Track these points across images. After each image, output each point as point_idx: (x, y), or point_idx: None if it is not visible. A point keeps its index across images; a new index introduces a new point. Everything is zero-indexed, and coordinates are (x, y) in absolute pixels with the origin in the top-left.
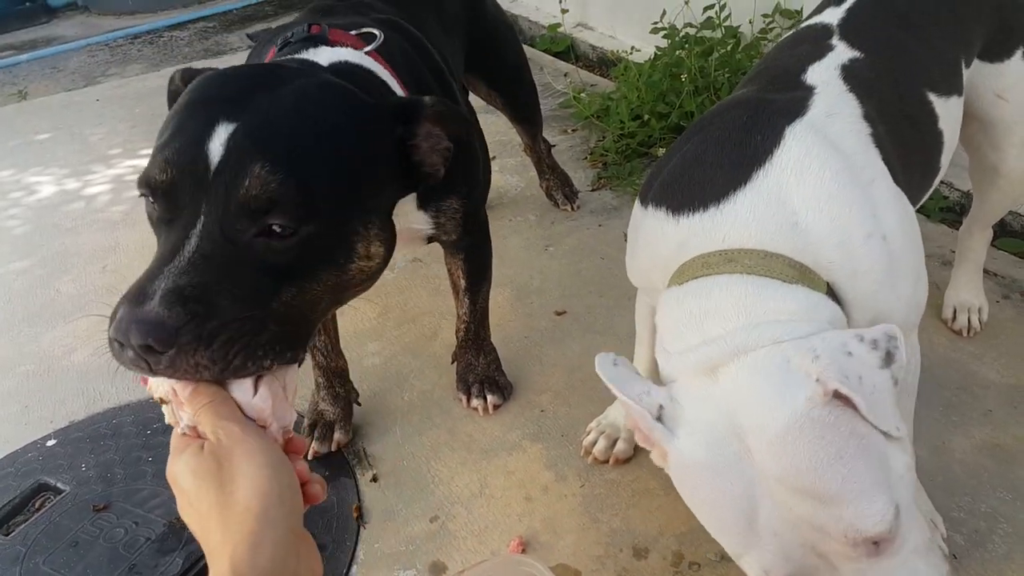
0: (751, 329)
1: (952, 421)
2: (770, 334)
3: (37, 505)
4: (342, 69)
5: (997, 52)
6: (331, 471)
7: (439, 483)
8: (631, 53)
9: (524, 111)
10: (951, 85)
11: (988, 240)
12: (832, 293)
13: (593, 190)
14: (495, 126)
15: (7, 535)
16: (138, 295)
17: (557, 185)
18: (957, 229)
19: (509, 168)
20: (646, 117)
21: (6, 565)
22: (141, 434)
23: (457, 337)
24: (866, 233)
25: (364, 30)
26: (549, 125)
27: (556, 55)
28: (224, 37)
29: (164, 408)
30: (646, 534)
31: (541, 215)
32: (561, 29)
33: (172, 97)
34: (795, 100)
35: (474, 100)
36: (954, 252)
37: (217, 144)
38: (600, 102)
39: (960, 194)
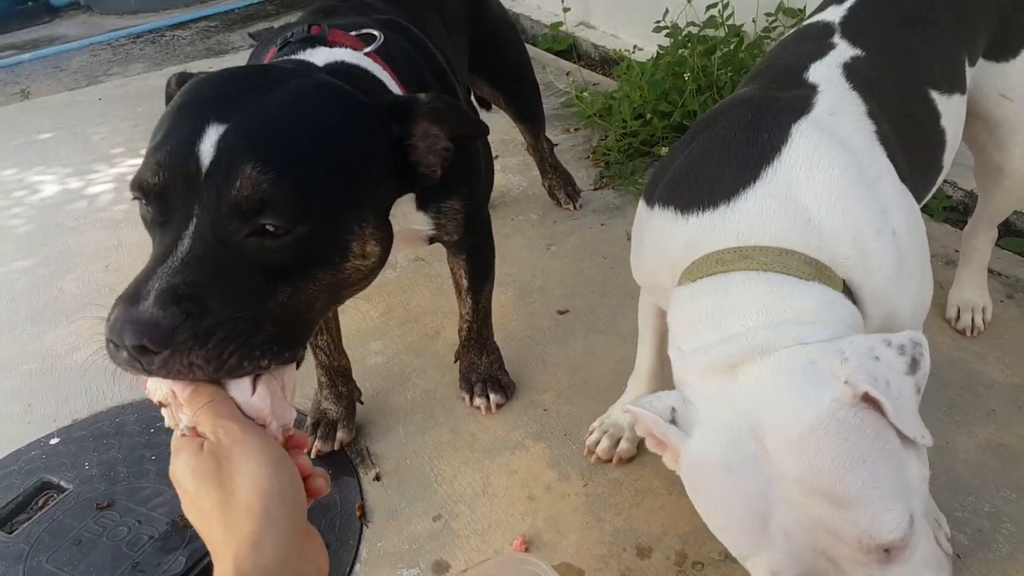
0: (772, 328)
1: (956, 421)
2: (793, 334)
3: (40, 503)
4: (338, 69)
5: (1002, 51)
6: (334, 470)
7: (442, 482)
8: (633, 52)
9: (527, 110)
10: (954, 83)
11: (993, 240)
12: (847, 291)
13: (595, 189)
14: (497, 125)
15: (10, 533)
16: (133, 296)
17: (559, 184)
18: (961, 228)
19: (511, 167)
20: (648, 116)
21: (9, 563)
22: (144, 432)
23: (460, 336)
24: (876, 229)
25: (364, 31)
26: (551, 124)
27: (558, 54)
28: (226, 36)
29: (163, 411)
30: (649, 533)
31: (543, 214)
32: (563, 28)
33: (169, 100)
34: (799, 98)
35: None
36: (958, 252)
37: (208, 145)
38: (602, 101)
39: (964, 193)
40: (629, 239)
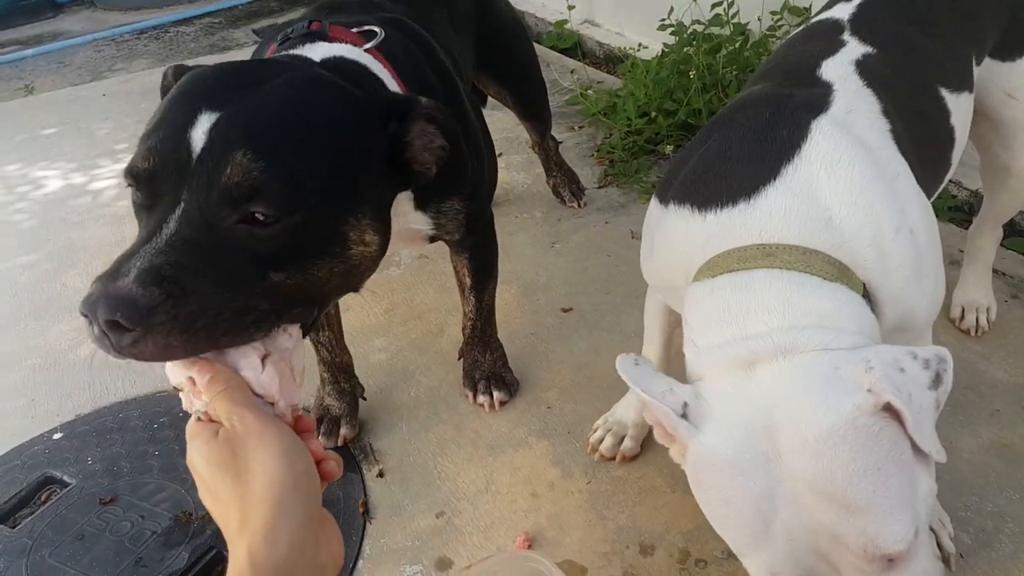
0: (798, 331)
1: (959, 420)
2: (818, 339)
3: (43, 498)
4: (335, 64)
5: (1009, 50)
6: None
7: (445, 479)
8: (638, 50)
9: (533, 108)
10: (962, 81)
11: (998, 239)
12: (866, 293)
13: (600, 187)
14: (502, 123)
15: (13, 528)
16: (112, 273)
17: (564, 182)
18: (966, 228)
19: (515, 165)
20: (653, 114)
21: (12, 558)
22: (148, 428)
23: (463, 334)
24: (896, 227)
25: (366, 28)
26: (556, 122)
27: (563, 52)
28: (230, 33)
29: (181, 395)
30: (652, 531)
31: (547, 212)
32: (568, 26)
33: (164, 92)
34: (816, 95)
35: None
36: (963, 251)
37: (200, 132)
38: (607, 99)
39: (969, 193)
40: (634, 237)
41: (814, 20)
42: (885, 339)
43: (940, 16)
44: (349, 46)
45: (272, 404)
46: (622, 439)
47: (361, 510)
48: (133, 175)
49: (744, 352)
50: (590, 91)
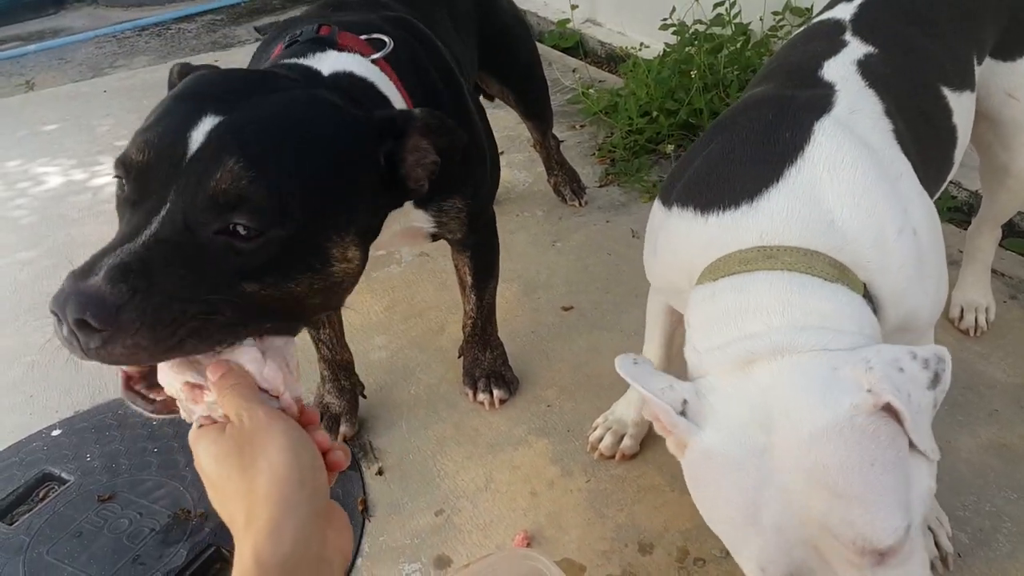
0: (797, 331)
1: (958, 420)
2: (817, 339)
3: (41, 495)
4: (342, 81)
5: (1009, 50)
6: None
7: (445, 477)
8: (640, 49)
9: (535, 107)
10: (964, 80)
11: (997, 240)
12: (867, 294)
13: (601, 186)
14: (503, 121)
15: (11, 525)
16: (84, 270)
17: (565, 181)
18: (965, 229)
19: (517, 163)
20: (655, 114)
21: (10, 555)
22: (147, 425)
23: (464, 332)
24: (899, 228)
25: (375, 36)
26: (557, 121)
27: (565, 51)
28: (232, 30)
29: (178, 403)
30: (651, 530)
31: (549, 211)
32: (570, 25)
33: (170, 89)
34: (818, 96)
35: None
36: (962, 252)
37: (199, 133)
38: (608, 98)
39: (968, 194)
40: (634, 236)
41: (815, 20)
42: (887, 339)
43: (941, 16)
44: (358, 56)
45: (277, 397)
46: (622, 438)
47: (360, 508)
48: (125, 166)
49: (743, 351)
50: (592, 90)
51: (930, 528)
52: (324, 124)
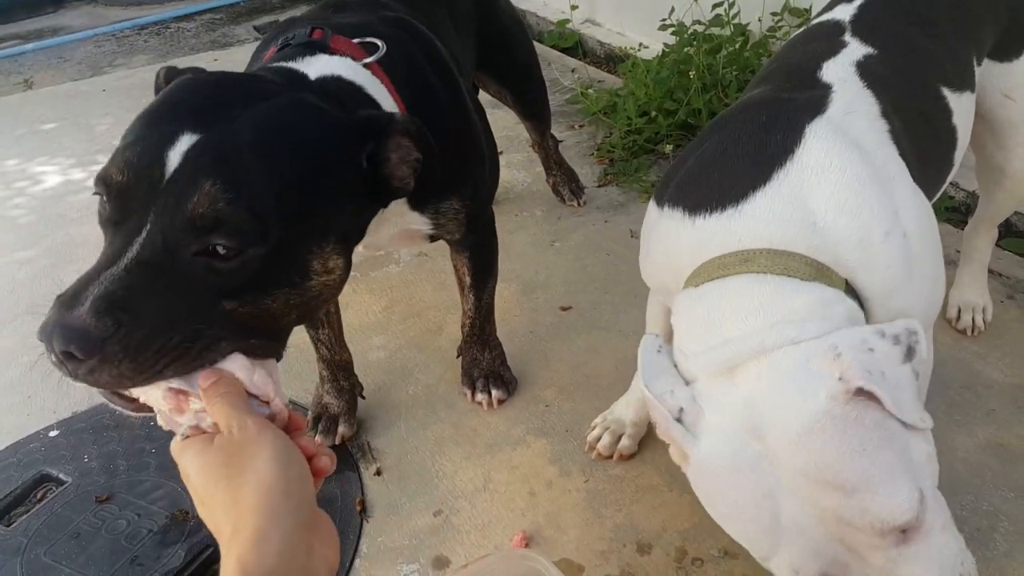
0: (768, 329)
1: (956, 420)
2: (788, 334)
3: (39, 496)
4: (329, 85)
5: (1006, 51)
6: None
7: (443, 477)
8: (639, 50)
9: (533, 107)
10: (964, 81)
11: (993, 240)
12: (851, 290)
13: (599, 186)
14: (502, 121)
15: (8, 526)
16: (70, 300)
17: (564, 181)
18: (962, 229)
19: (516, 164)
20: (653, 114)
21: (7, 556)
22: (145, 425)
23: (462, 332)
24: (885, 231)
25: (367, 40)
26: (556, 121)
27: (564, 51)
28: (231, 29)
29: (158, 415)
30: (649, 530)
31: (547, 211)
32: (569, 25)
33: (157, 92)
34: (814, 98)
35: (482, 96)
36: (959, 252)
37: (176, 154)
38: (607, 98)
39: (966, 194)
40: (633, 236)
41: (815, 22)
42: None
43: (941, 17)
44: (348, 60)
45: (267, 403)
46: (620, 438)
47: (358, 508)
48: (106, 184)
49: (723, 358)
50: (591, 90)
51: None
52: (305, 133)
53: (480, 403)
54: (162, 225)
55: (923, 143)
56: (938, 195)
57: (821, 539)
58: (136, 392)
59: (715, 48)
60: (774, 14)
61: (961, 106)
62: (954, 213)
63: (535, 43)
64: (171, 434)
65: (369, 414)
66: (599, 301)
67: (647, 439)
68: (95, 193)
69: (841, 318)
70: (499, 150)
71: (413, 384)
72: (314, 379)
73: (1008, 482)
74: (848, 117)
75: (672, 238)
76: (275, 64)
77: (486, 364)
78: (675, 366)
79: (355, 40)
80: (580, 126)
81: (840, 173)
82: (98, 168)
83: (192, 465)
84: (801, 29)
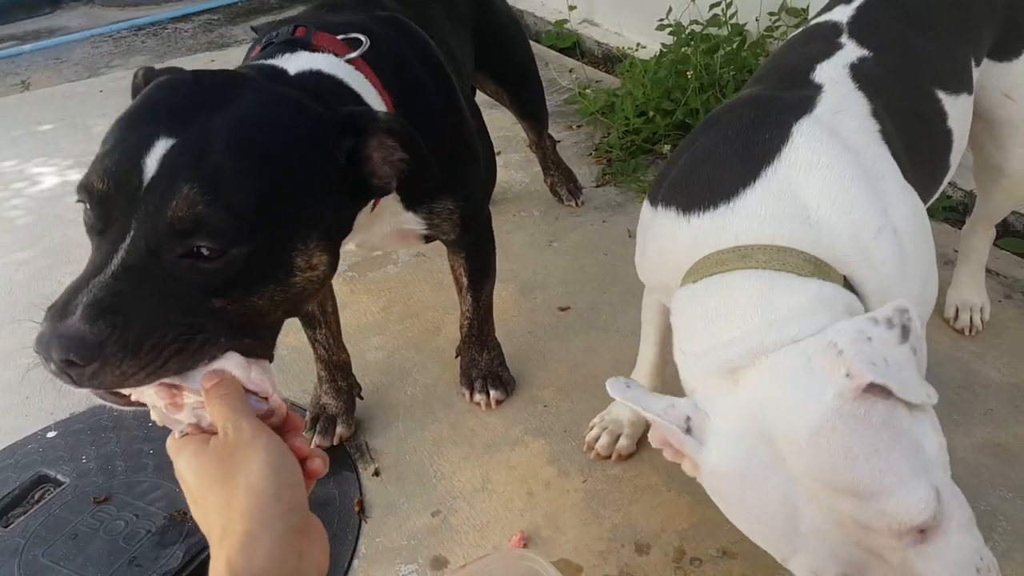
0: (767, 329)
1: (953, 420)
2: (787, 333)
3: (37, 497)
4: (308, 80)
5: (1006, 51)
6: (333, 465)
7: (441, 478)
8: (636, 50)
9: (530, 107)
10: (961, 83)
11: (991, 240)
12: (849, 286)
13: (597, 186)
14: (500, 121)
15: (6, 527)
16: (61, 310)
17: (561, 181)
18: (960, 228)
19: (513, 164)
20: (651, 114)
21: (5, 557)
22: (143, 426)
23: (461, 333)
24: (877, 227)
25: (352, 35)
26: (554, 121)
27: (561, 51)
28: (228, 30)
29: (153, 411)
30: (648, 530)
31: (545, 211)
32: (567, 25)
33: (135, 94)
34: (802, 98)
35: (480, 95)
36: (957, 251)
37: (152, 160)
38: (605, 98)
39: (963, 194)
40: (631, 236)
41: (814, 22)
42: None
43: (938, 18)
44: (330, 56)
45: (266, 399)
46: (618, 437)
47: (357, 509)
48: (88, 192)
49: (724, 360)
50: (588, 90)
51: None
52: (281, 128)
53: (478, 403)
54: (145, 231)
55: (917, 144)
56: (935, 197)
57: (839, 542)
58: (135, 394)
59: (712, 48)
60: (771, 14)
61: (957, 108)
62: (952, 212)
63: (532, 43)
64: (169, 435)
65: (367, 415)
66: (597, 301)
67: (645, 439)
68: (78, 201)
69: (841, 310)
70: (497, 150)
71: (411, 384)
72: (312, 380)
73: (1006, 482)
74: (837, 116)
75: (667, 236)
76: (255, 62)
77: (484, 364)
78: (653, 390)
79: (339, 37)
80: (578, 126)
81: (828, 170)
82: None
83: (187, 466)
84: (800, 30)
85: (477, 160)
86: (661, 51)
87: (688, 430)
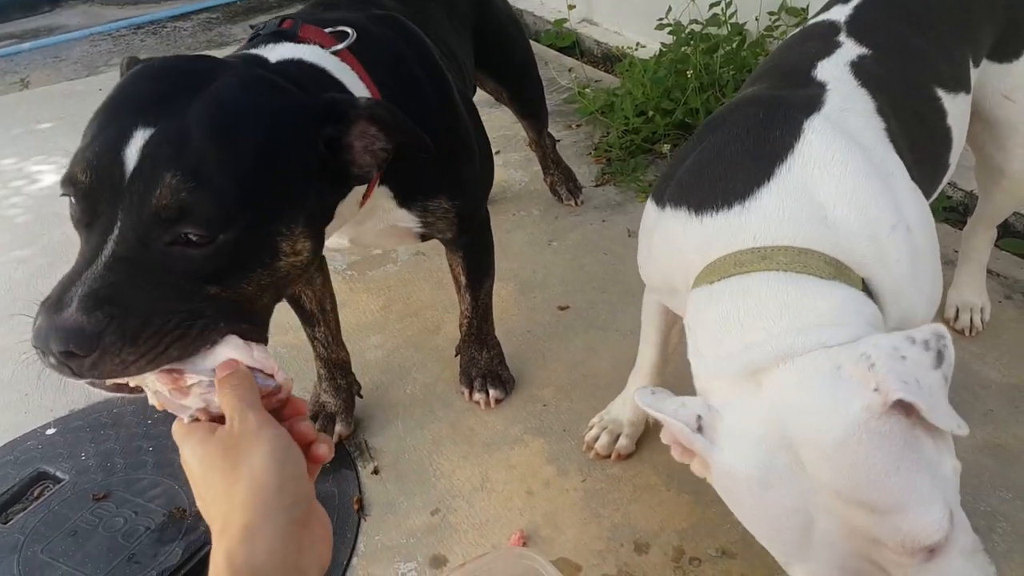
0: (796, 333)
1: None
2: (816, 338)
3: (36, 494)
4: (289, 67)
5: (1005, 52)
6: (332, 463)
7: (440, 476)
8: (636, 49)
9: (530, 106)
10: (959, 82)
11: (992, 240)
12: (867, 289)
13: (597, 186)
14: (499, 120)
15: (5, 523)
16: (56, 303)
17: (561, 180)
18: (960, 229)
19: (513, 163)
20: (651, 113)
21: (4, 553)
22: (142, 423)
23: (460, 331)
24: (891, 224)
25: (339, 28)
26: (554, 120)
27: (561, 50)
28: (228, 28)
29: (152, 397)
30: (647, 529)
31: (545, 210)
32: (567, 24)
33: None
34: (809, 96)
35: (479, 95)
36: (957, 252)
37: (133, 150)
38: (605, 98)
39: (964, 194)
40: (630, 235)
41: (811, 22)
42: None
43: (937, 18)
44: (315, 47)
45: (272, 376)
46: (617, 437)
47: (356, 507)
48: (73, 185)
49: (748, 362)
50: (588, 89)
51: None
52: (259, 112)
53: (478, 402)
54: (131, 221)
55: (918, 143)
56: (933, 196)
57: (848, 554)
58: (139, 380)
59: (712, 47)
60: (771, 13)
61: (956, 107)
62: (952, 213)
63: (532, 42)
64: (169, 434)
65: (366, 413)
66: (597, 300)
67: (645, 438)
68: (63, 195)
69: (865, 320)
70: (496, 149)
71: (411, 383)
72: (311, 378)
73: (1006, 482)
74: (844, 114)
75: (678, 237)
76: (238, 52)
77: (484, 363)
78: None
79: (327, 30)
80: (577, 125)
81: (843, 167)
82: None
83: (192, 454)
84: (797, 29)
85: (473, 159)
86: (661, 50)
87: (699, 429)
